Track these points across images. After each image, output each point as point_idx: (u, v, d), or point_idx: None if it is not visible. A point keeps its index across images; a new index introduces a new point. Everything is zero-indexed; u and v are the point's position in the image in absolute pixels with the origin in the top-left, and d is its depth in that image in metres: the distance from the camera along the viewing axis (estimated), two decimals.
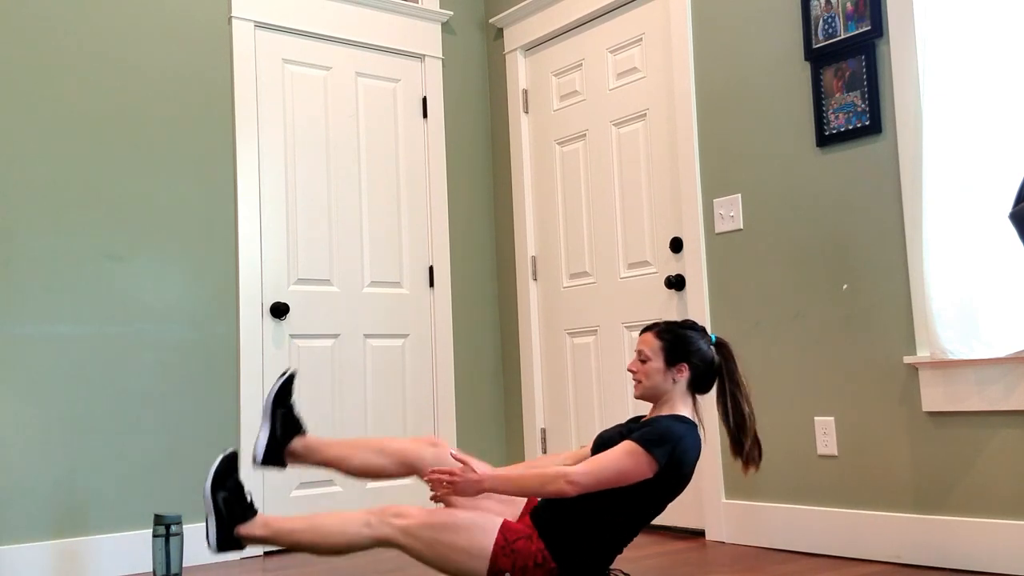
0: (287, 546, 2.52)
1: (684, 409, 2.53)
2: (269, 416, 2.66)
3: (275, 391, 2.71)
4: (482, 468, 2.42)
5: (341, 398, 4.03)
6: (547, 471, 2.38)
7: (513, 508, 2.61)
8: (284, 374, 2.75)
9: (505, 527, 2.41)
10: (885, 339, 3.03)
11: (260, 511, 2.59)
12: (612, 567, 2.54)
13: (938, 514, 2.89)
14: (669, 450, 2.37)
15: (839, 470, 3.15)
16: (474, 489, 2.39)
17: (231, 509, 2.51)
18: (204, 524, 2.56)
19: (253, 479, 3.72)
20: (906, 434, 2.97)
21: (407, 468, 2.66)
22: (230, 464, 2.58)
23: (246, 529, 2.51)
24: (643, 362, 2.56)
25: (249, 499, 2.56)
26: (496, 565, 2.38)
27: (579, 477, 2.35)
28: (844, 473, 3.13)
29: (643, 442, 2.38)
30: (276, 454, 2.64)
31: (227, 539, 2.50)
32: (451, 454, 2.52)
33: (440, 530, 2.39)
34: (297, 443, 2.69)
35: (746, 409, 2.51)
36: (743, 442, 2.50)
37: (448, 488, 2.39)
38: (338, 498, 3.95)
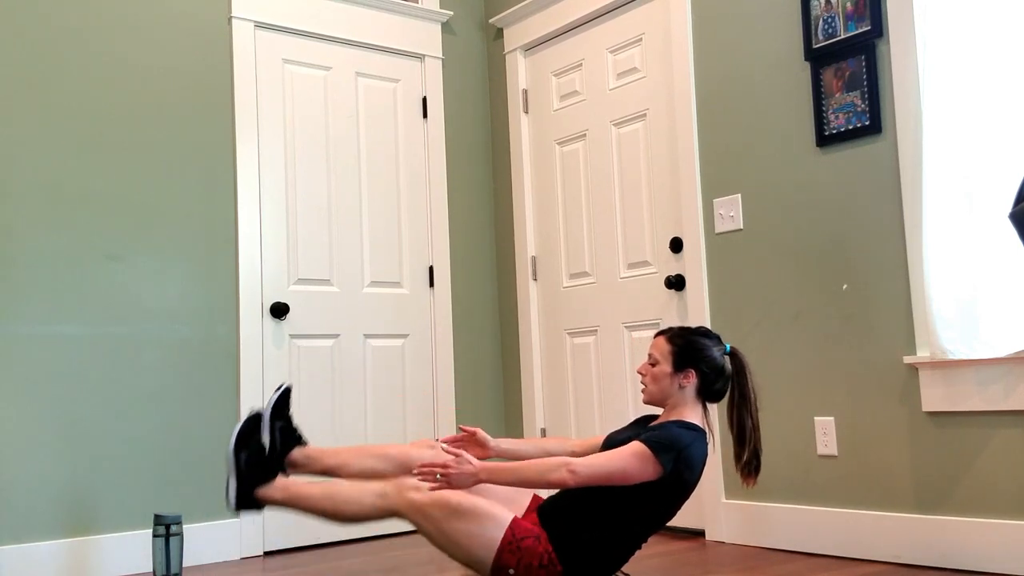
0: (303, 511, 2.55)
1: (693, 416, 2.53)
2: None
3: (272, 404, 2.70)
4: (477, 460, 2.42)
5: (341, 398, 4.02)
6: (549, 460, 2.39)
7: (522, 498, 2.61)
8: (279, 388, 2.74)
9: (515, 524, 2.41)
10: (885, 339, 3.03)
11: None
12: None
13: (938, 514, 2.89)
14: (675, 456, 2.38)
15: (839, 470, 3.15)
16: (470, 481, 2.39)
17: (252, 470, 2.55)
18: (225, 482, 2.60)
19: None
20: (906, 434, 2.97)
21: (406, 470, 2.66)
22: (254, 425, 2.62)
23: (264, 492, 2.56)
24: (652, 365, 2.58)
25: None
26: (501, 559, 2.38)
27: (582, 468, 2.35)
28: (844, 473, 3.13)
29: (651, 445, 2.38)
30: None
31: (246, 499, 2.55)
32: (442, 447, 2.52)
33: (452, 513, 2.39)
34: (297, 453, 2.69)
35: (748, 423, 2.52)
36: (741, 454, 2.52)
37: (441, 481, 2.39)
38: None
